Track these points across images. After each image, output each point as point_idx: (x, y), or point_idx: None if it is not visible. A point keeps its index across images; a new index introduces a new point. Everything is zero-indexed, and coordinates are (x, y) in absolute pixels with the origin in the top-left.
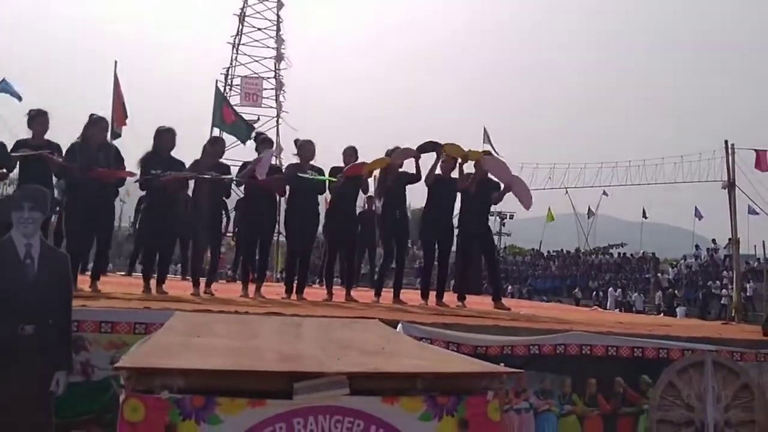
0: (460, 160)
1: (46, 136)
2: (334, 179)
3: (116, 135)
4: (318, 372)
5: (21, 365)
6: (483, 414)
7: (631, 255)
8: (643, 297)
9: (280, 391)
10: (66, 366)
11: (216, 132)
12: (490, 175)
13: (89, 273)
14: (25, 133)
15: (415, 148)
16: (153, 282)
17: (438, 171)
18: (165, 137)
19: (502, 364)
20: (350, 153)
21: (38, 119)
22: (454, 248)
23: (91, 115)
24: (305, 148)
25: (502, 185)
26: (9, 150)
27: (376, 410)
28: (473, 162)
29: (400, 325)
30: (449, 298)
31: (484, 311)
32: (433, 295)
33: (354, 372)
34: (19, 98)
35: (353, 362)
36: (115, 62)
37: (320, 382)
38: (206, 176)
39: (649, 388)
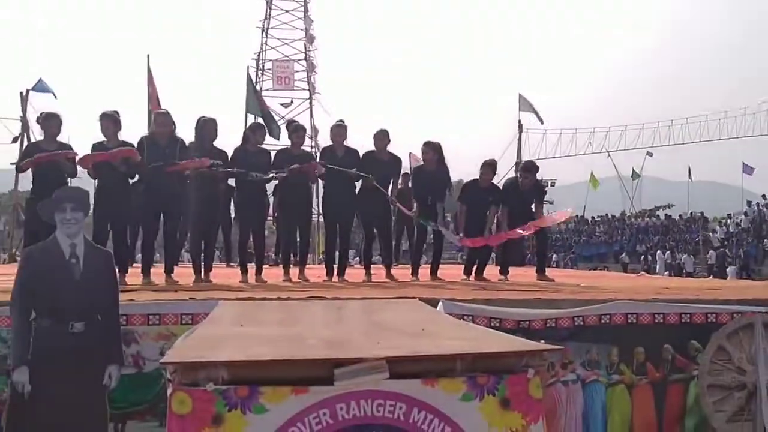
0: None
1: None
2: (365, 176)
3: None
4: (358, 358)
5: (73, 361)
6: (524, 392)
7: (680, 216)
8: (693, 258)
9: (322, 377)
10: (117, 360)
11: (251, 118)
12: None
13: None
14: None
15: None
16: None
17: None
18: (208, 127)
19: (543, 340)
20: (381, 137)
21: (103, 122)
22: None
23: (157, 111)
24: (336, 132)
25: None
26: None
27: (417, 393)
28: None
29: (440, 303)
30: (492, 272)
31: (526, 284)
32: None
33: (393, 356)
34: (55, 95)
35: (393, 345)
36: (148, 56)
37: (360, 368)
38: (250, 177)
39: (699, 353)
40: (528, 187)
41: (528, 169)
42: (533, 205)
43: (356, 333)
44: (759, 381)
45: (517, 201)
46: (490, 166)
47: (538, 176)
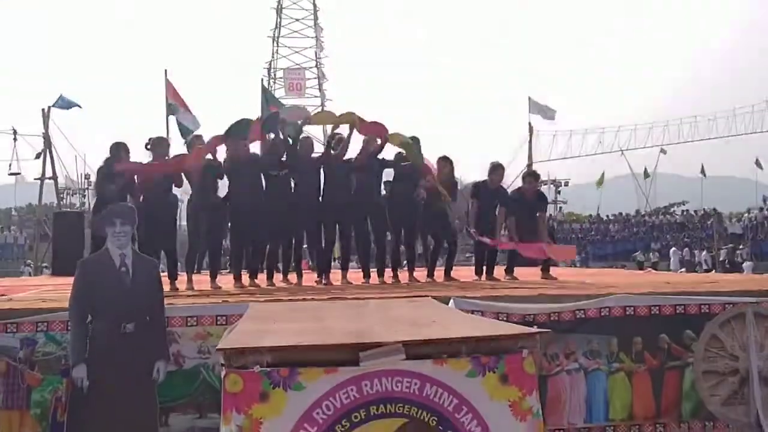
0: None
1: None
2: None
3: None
4: (379, 342)
5: (126, 358)
6: (520, 369)
7: (695, 211)
8: (710, 254)
9: (348, 360)
10: (164, 356)
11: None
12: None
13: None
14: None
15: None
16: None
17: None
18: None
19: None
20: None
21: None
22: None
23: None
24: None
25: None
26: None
27: (429, 371)
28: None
29: (452, 301)
30: (500, 272)
31: (531, 282)
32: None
33: (409, 340)
34: (79, 106)
35: (408, 333)
36: (165, 71)
37: (381, 350)
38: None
39: (693, 342)
40: (532, 194)
41: (531, 175)
42: (537, 214)
43: (376, 325)
44: (750, 366)
45: (523, 210)
46: (501, 168)
47: (551, 177)
